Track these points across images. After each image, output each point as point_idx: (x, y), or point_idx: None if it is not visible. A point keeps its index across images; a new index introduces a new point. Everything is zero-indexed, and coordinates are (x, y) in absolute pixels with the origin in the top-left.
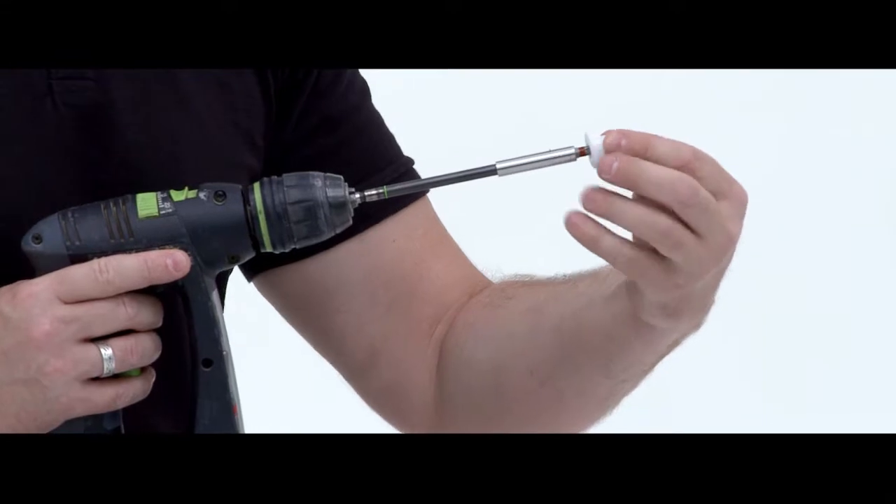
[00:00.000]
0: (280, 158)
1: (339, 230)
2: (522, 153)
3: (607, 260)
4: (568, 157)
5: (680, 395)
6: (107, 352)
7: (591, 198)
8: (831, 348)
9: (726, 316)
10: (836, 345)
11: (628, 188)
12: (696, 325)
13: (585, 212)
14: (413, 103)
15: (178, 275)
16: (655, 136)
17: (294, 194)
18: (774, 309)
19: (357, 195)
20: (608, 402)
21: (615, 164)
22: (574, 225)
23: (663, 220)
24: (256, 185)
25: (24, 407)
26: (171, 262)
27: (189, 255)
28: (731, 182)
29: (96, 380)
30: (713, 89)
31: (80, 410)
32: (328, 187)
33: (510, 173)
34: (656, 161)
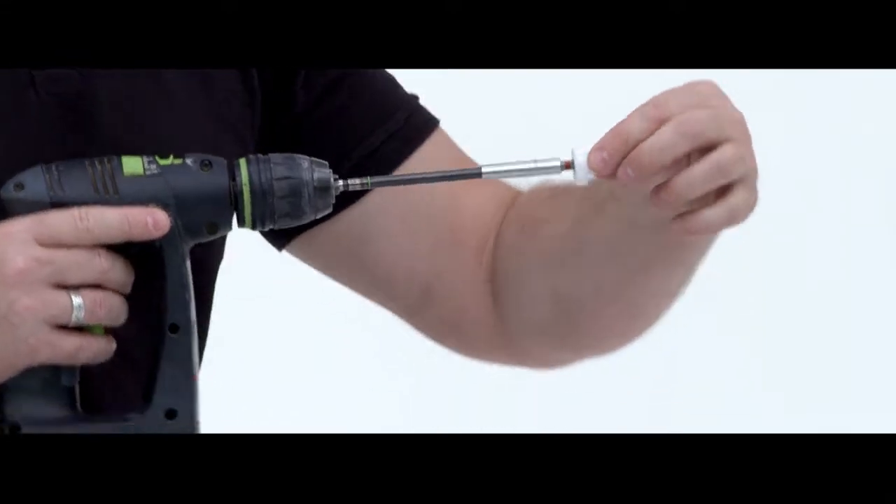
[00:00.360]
0: (293, 130)
1: (319, 214)
2: (510, 160)
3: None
4: (553, 170)
5: (680, 395)
6: (77, 300)
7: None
8: (830, 348)
9: (725, 316)
10: (836, 344)
11: (647, 175)
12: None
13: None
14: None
15: (157, 234)
16: (621, 126)
17: (280, 171)
18: (773, 309)
19: (340, 182)
20: (681, 289)
21: (622, 172)
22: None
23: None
24: (242, 161)
25: None
26: (152, 221)
27: (170, 217)
28: (691, 93)
29: (63, 328)
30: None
31: (45, 355)
32: (314, 170)
33: (495, 178)
34: (639, 139)
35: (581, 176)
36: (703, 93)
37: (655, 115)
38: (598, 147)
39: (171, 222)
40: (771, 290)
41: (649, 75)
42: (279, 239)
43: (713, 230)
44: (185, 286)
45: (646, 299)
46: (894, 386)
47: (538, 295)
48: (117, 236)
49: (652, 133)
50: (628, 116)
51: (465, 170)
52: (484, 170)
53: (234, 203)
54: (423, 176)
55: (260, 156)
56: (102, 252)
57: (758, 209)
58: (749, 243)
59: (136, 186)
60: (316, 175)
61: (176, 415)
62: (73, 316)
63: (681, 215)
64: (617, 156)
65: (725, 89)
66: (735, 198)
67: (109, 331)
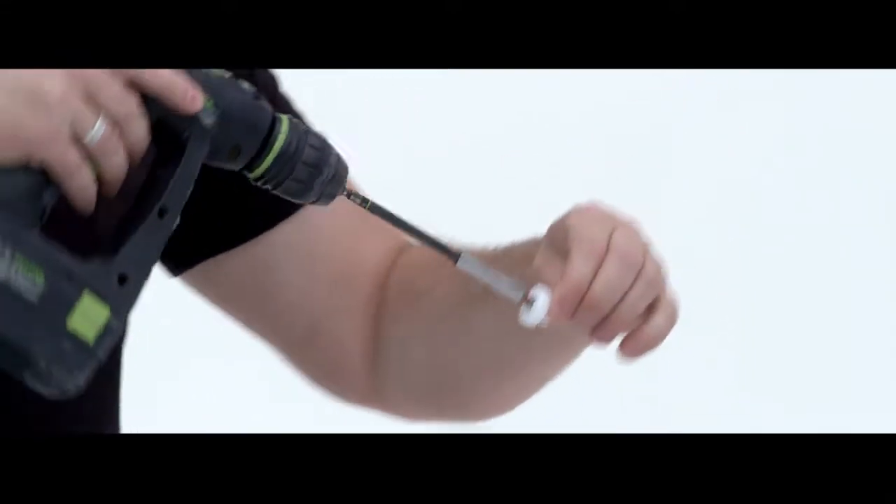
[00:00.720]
0: None
1: (318, 202)
2: (486, 268)
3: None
4: (513, 295)
5: (679, 393)
6: (100, 122)
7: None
8: (830, 347)
9: (725, 315)
10: (835, 344)
11: (603, 315)
12: None
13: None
14: (412, 103)
15: (189, 108)
16: (575, 275)
17: (315, 141)
18: (771, 308)
19: (344, 191)
20: (566, 367)
21: (581, 317)
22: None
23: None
24: (286, 116)
25: (11, 110)
26: (191, 94)
27: (212, 116)
28: (598, 217)
29: (76, 141)
30: (714, 89)
31: (52, 151)
32: (340, 159)
33: (466, 268)
34: (589, 282)
35: (533, 318)
36: (605, 214)
37: (594, 253)
38: (560, 299)
39: (203, 103)
40: (767, 290)
41: (648, 75)
42: (180, 262)
43: (660, 341)
44: (189, 185)
45: (527, 381)
46: (892, 386)
47: (416, 362)
48: (156, 89)
49: (596, 271)
50: (574, 261)
51: (448, 246)
52: (462, 255)
53: (264, 142)
54: (412, 226)
55: (300, 122)
56: (136, 94)
57: (756, 209)
58: (750, 243)
59: (199, 76)
60: (340, 164)
61: (125, 282)
62: (91, 133)
63: (628, 337)
64: (575, 303)
65: (726, 89)
66: (667, 302)
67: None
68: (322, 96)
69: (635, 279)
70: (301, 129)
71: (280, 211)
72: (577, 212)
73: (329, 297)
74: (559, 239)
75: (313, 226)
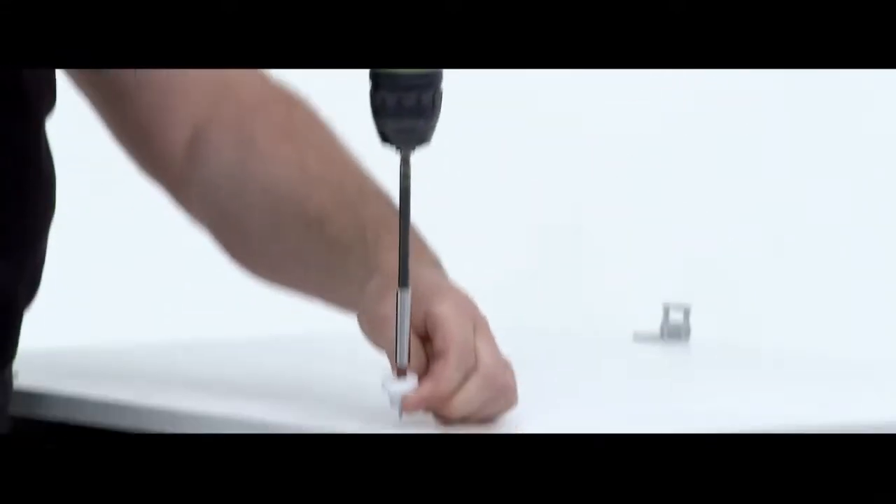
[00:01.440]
0: None
1: (399, 147)
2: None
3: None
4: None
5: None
6: None
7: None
8: (829, 346)
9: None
10: (834, 343)
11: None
12: None
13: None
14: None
15: None
16: (444, 386)
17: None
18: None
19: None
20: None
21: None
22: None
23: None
24: None
25: None
26: None
27: None
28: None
29: None
30: (713, 89)
31: None
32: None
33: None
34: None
35: (392, 399)
36: (467, 307)
37: (466, 366)
38: (422, 400)
39: None
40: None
41: (649, 75)
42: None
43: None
44: None
45: (301, 292)
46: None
47: (223, 201)
48: None
49: (461, 384)
50: (450, 371)
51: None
52: (400, 294)
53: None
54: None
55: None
56: None
57: (757, 208)
58: (751, 244)
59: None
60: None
61: None
62: None
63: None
64: (434, 407)
65: (726, 89)
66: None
67: None
68: (321, 97)
69: (493, 397)
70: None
71: None
72: (443, 301)
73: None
74: (418, 319)
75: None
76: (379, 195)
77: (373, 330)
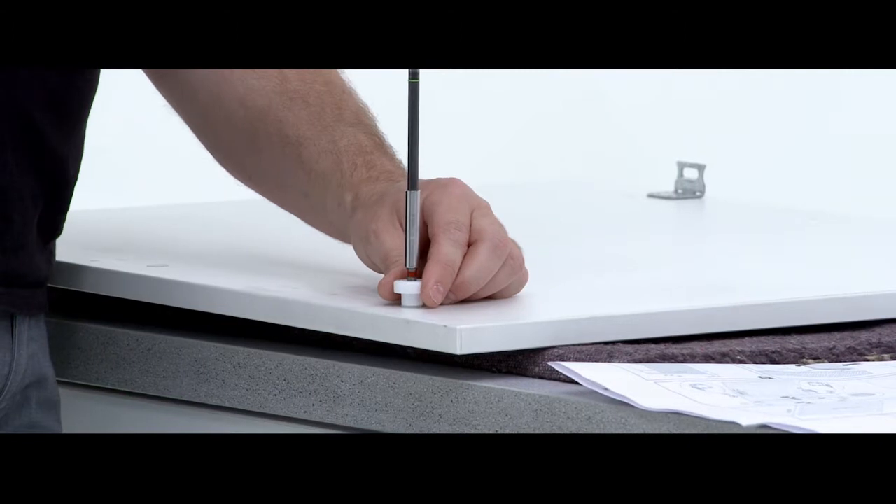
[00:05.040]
0: None
1: None
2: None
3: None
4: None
5: None
6: None
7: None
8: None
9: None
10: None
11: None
12: None
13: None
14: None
15: None
16: (447, 260)
17: None
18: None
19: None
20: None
21: (448, 298)
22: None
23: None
24: None
25: None
26: None
27: None
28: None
29: None
30: (712, 89)
31: None
32: None
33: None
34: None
35: (407, 304)
36: (465, 193)
37: (463, 240)
38: (437, 282)
39: None
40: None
41: (648, 75)
42: None
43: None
44: None
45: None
46: None
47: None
48: None
49: (463, 256)
50: (444, 246)
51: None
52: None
53: None
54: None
55: None
56: None
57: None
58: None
59: None
60: None
61: None
62: None
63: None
64: (449, 287)
65: (725, 88)
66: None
67: None
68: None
69: (502, 265)
70: None
71: None
72: (439, 189)
73: None
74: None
75: None
76: (358, 114)
77: (368, 246)
